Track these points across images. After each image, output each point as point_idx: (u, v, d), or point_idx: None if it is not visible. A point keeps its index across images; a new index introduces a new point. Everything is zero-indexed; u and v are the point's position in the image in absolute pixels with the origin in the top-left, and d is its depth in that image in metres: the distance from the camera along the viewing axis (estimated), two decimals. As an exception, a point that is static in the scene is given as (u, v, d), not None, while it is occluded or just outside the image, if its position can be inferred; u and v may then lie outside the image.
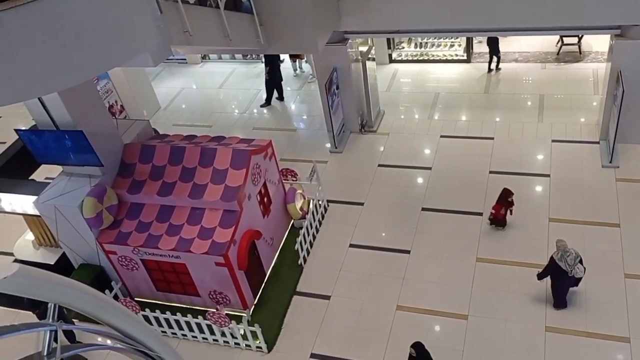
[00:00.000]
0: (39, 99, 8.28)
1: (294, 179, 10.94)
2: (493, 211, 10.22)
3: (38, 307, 9.02)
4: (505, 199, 10.10)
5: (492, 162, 11.89)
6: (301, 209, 10.78)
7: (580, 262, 8.49)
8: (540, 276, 8.77)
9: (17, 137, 9.54)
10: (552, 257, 8.54)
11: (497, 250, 9.99)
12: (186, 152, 9.33)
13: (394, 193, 11.61)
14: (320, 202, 11.29)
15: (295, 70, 16.26)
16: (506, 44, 15.42)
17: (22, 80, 5.61)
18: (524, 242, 9.95)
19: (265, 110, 15.19)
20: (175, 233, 8.86)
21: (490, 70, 14.78)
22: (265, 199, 9.92)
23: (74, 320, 8.59)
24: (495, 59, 14.64)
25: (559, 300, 8.83)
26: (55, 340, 3.48)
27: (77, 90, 8.33)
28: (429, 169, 12.07)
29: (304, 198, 11.02)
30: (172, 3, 7.70)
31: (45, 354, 3.46)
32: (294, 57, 16.01)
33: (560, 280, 8.63)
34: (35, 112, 8.61)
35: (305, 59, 16.03)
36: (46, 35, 5.60)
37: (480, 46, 15.68)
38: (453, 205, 11.03)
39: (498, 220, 10.27)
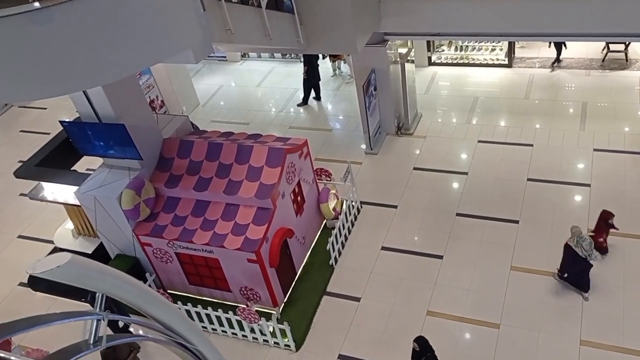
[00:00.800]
0: (83, 92, 8.50)
1: (328, 179, 10.95)
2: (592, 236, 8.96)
3: (85, 297, 9.28)
4: (605, 222, 9.36)
5: (530, 170, 11.66)
6: (334, 209, 10.78)
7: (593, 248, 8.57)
8: (561, 272, 8.96)
9: (61, 128, 9.81)
10: (567, 244, 8.65)
11: (532, 259, 9.79)
12: (223, 148, 9.45)
13: (429, 197, 11.50)
14: (353, 203, 11.27)
15: (334, 70, 16.27)
16: (549, 50, 15.12)
17: (70, 74, 5.78)
18: (560, 253, 9.73)
19: (302, 110, 15.24)
20: (210, 228, 8.98)
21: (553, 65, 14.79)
22: (299, 198, 9.96)
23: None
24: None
25: (585, 284, 8.88)
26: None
27: (120, 84, 8.53)
28: (465, 174, 11.92)
29: (338, 198, 11.02)
30: (215, 1, 7.81)
31: (91, 342, 3.57)
32: (333, 58, 16.02)
33: (580, 266, 8.70)
34: (80, 104, 8.85)
35: (344, 59, 16.02)
36: (95, 30, 5.76)
37: (522, 51, 15.40)
38: (489, 212, 10.86)
39: (600, 249, 9.16)
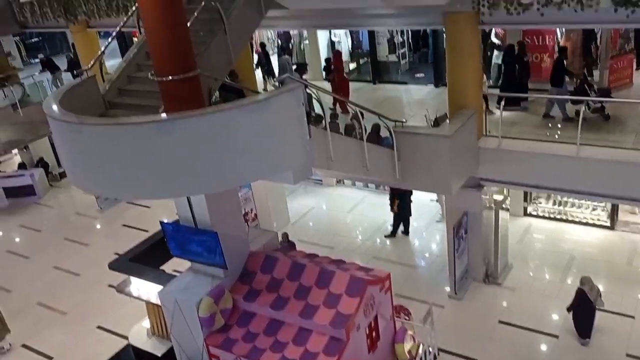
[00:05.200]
0: (187, 197, 9.04)
1: (407, 318, 10.53)
2: None
3: None
4: None
5: (630, 344, 10.60)
6: (409, 352, 10.22)
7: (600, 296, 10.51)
8: (570, 308, 10.67)
9: (159, 228, 10.35)
10: (581, 290, 10.38)
11: None
12: (305, 269, 9.46)
13: (513, 356, 10.67)
14: (430, 349, 10.66)
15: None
16: (657, 217, 14.34)
17: (181, 180, 6.23)
18: None
19: (388, 242, 15.18)
20: (279, 350, 8.76)
21: None
22: (374, 334, 9.58)
23: None
24: None
25: (586, 330, 10.63)
26: None
27: (221, 194, 9.00)
28: (556, 337, 11.03)
29: (414, 341, 10.48)
30: (321, 130, 8.28)
31: None
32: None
33: (587, 311, 10.50)
34: (181, 208, 9.38)
35: (437, 198, 16.07)
36: (211, 144, 6.26)
37: (626, 214, 14.69)
38: (580, 384, 9.86)
39: None
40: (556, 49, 14.12)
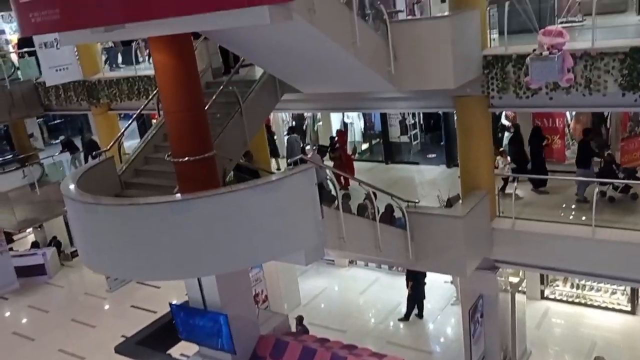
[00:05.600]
0: (198, 278, 8.96)
1: (423, 407, 10.04)
2: None
3: None
4: None
5: None
6: None
7: None
8: None
9: (169, 309, 10.18)
10: None
11: None
12: (316, 355, 9.16)
13: None
14: None
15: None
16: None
17: (193, 261, 6.20)
18: None
19: (402, 325, 14.75)
20: None
21: None
22: None
23: None
24: None
25: None
26: None
27: (232, 275, 8.91)
28: None
29: None
30: (334, 211, 8.29)
31: None
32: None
33: None
34: (191, 288, 9.26)
35: (451, 279, 15.76)
36: (223, 224, 6.27)
37: (648, 298, 14.25)
38: None
39: None
40: (566, 131, 14.29)
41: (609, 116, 13.83)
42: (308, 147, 19.07)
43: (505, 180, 12.15)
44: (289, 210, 6.87)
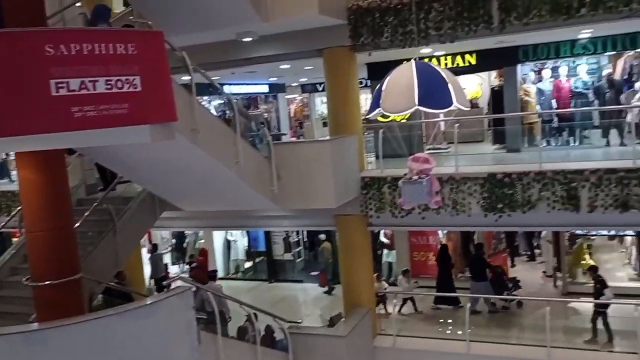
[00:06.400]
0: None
1: None
2: None
3: None
4: None
5: None
6: None
7: None
8: None
9: None
10: None
11: None
12: None
13: None
14: None
15: None
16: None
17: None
18: None
19: None
20: None
21: None
22: None
23: None
24: None
25: None
26: None
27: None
28: None
29: None
30: (212, 335, 7.85)
31: None
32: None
33: None
34: None
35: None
36: (86, 356, 5.65)
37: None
38: None
39: None
40: (438, 247, 15.10)
41: (475, 235, 14.89)
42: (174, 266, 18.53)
43: (382, 299, 12.32)
44: (162, 337, 6.38)
